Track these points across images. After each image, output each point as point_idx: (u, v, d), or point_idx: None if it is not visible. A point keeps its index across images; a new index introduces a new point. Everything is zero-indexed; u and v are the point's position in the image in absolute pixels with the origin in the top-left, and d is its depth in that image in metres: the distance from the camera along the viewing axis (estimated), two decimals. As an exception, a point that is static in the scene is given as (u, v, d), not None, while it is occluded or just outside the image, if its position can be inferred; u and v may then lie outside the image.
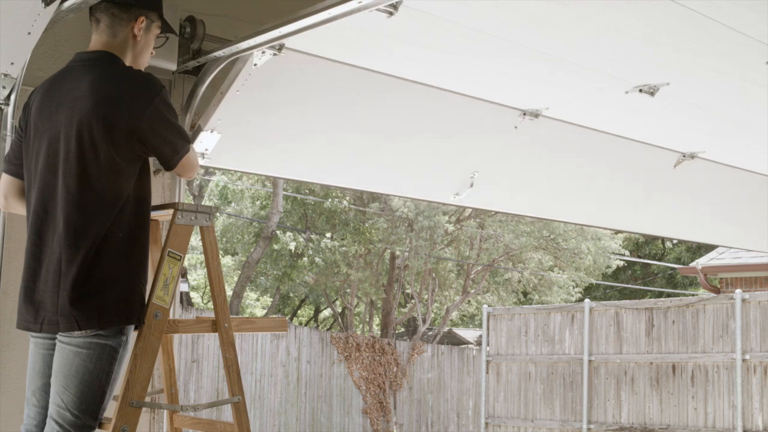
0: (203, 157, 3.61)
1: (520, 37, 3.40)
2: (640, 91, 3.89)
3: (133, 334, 2.58)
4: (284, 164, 4.31)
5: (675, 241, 26.69)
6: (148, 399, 2.75)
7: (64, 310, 2.42)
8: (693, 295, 21.27)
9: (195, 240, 13.12)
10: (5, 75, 2.82)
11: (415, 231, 17.38)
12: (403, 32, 3.29)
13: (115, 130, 2.45)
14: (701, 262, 14.35)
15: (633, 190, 5.50)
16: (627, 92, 3.92)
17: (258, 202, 20.38)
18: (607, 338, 12.60)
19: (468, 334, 25.09)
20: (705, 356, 11.59)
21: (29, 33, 2.70)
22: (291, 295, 22.67)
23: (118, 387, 2.56)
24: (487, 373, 13.88)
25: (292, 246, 18.62)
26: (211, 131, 3.52)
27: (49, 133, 2.52)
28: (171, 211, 2.71)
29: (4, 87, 2.85)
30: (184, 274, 19.99)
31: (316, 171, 4.48)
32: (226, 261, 21.29)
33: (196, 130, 3.52)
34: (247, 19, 3.60)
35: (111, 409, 2.54)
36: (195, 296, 24.70)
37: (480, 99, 4.21)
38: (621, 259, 21.29)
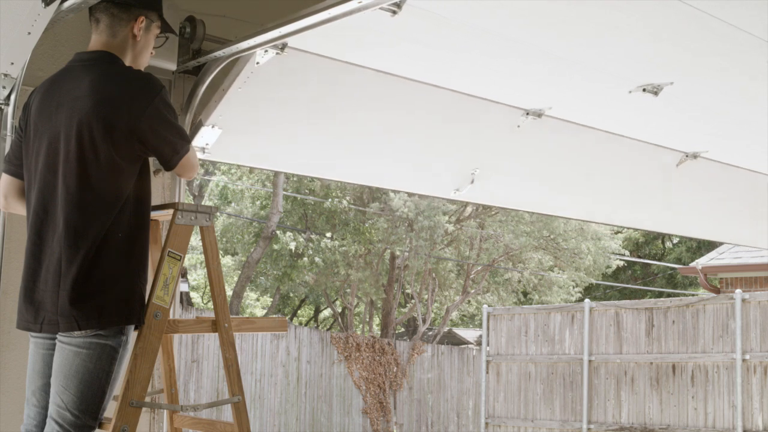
0: (204, 152, 3.62)
1: (524, 36, 3.40)
2: (644, 90, 3.88)
3: (133, 334, 2.58)
4: (286, 158, 4.33)
5: (675, 241, 26.71)
6: (148, 399, 2.75)
7: (64, 310, 2.42)
8: (693, 295, 21.27)
9: (195, 240, 13.11)
10: (5, 75, 2.82)
11: (415, 231, 17.38)
12: (406, 31, 3.29)
13: (115, 130, 2.45)
14: (701, 262, 14.35)
15: (635, 188, 5.51)
16: (631, 92, 3.91)
17: (258, 202, 20.37)
18: (607, 338, 12.60)
19: (468, 334, 25.09)
20: (705, 356, 11.59)
21: (29, 33, 2.70)
22: (291, 295, 22.67)
23: (118, 387, 2.56)
24: (487, 373, 13.88)
25: (292, 246, 18.62)
26: (212, 126, 3.53)
27: (49, 133, 2.52)
28: (171, 211, 2.71)
29: (4, 87, 2.85)
30: (184, 274, 19.99)
31: (318, 165, 4.50)
32: (226, 261, 21.29)
33: (197, 125, 3.52)
34: (247, 19, 3.60)
35: (111, 409, 2.54)
36: (195, 296, 24.70)
37: (483, 98, 4.21)
38: (621, 259, 21.29)
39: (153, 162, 2.68)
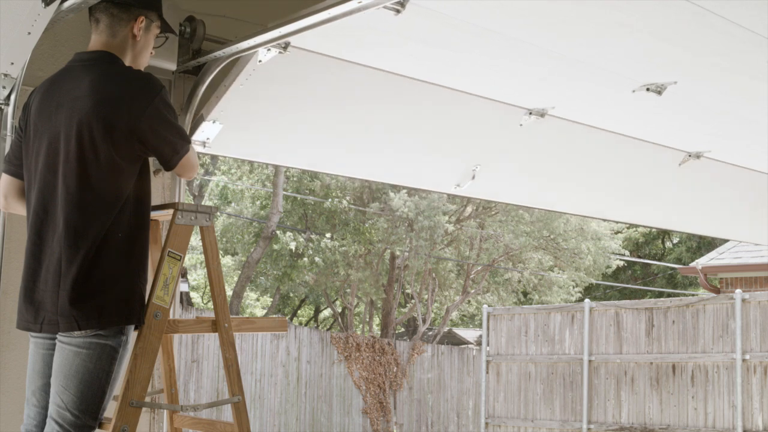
0: (204, 146, 3.62)
1: (526, 35, 3.39)
2: (648, 89, 3.87)
3: (133, 334, 2.58)
4: (287, 153, 4.34)
5: (675, 241, 26.71)
6: (148, 399, 2.75)
7: (64, 310, 2.42)
8: (693, 295, 21.27)
9: (195, 240, 13.12)
10: (5, 75, 2.82)
11: (415, 231, 17.38)
12: (410, 30, 3.29)
13: (115, 130, 2.45)
14: (701, 262, 14.35)
15: (637, 185, 5.51)
16: (634, 91, 3.90)
17: (258, 202, 20.37)
18: (607, 338, 12.60)
19: (468, 334, 25.09)
20: (705, 356, 11.59)
21: (29, 33, 2.70)
22: (291, 295, 22.67)
23: (118, 387, 2.56)
24: (487, 373, 13.88)
25: (292, 246, 18.62)
26: (213, 121, 3.54)
27: (49, 133, 2.52)
28: (171, 211, 2.71)
29: (4, 87, 2.85)
30: (184, 274, 19.99)
31: (319, 160, 4.51)
32: (226, 261, 21.29)
33: (198, 119, 3.53)
34: (247, 19, 3.60)
35: (111, 409, 2.54)
36: (195, 296, 24.70)
37: (485, 98, 4.21)
38: (621, 259, 21.28)
39: (153, 162, 2.68)
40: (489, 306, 15.94)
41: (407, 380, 17.18)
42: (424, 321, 19.49)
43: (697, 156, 5.18)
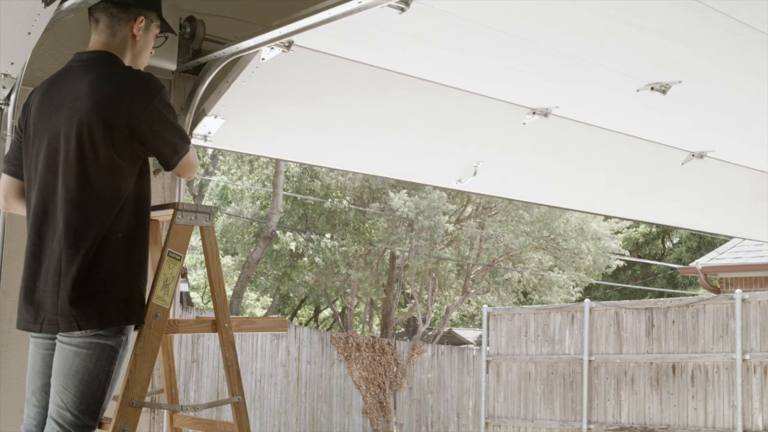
0: (206, 140, 3.63)
1: (530, 34, 3.39)
2: (652, 89, 3.86)
3: (133, 334, 2.58)
4: (289, 147, 4.35)
5: (675, 241, 26.71)
6: (148, 399, 2.75)
7: (64, 310, 2.42)
8: (693, 295, 21.27)
9: (195, 240, 13.12)
10: (5, 75, 2.82)
11: (415, 231, 17.38)
12: (414, 29, 3.29)
13: (115, 130, 2.45)
14: (701, 262, 14.35)
15: (639, 183, 5.51)
16: (638, 90, 3.89)
17: (258, 202, 20.37)
18: (607, 338, 12.60)
19: (468, 334, 25.09)
20: (705, 356, 11.59)
21: (29, 33, 2.70)
22: (291, 295, 22.67)
23: (118, 387, 2.56)
24: (487, 373, 13.88)
25: (292, 246, 18.62)
26: (215, 117, 3.54)
27: (48, 134, 2.52)
28: (171, 211, 2.71)
29: (4, 87, 2.85)
30: (184, 274, 19.99)
31: (321, 154, 4.52)
32: (226, 261, 21.29)
33: (200, 114, 3.53)
34: (247, 19, 3.60)
35: (111, 409, 2.54)
36: (195, 296, 24.70)
37: (488, 97, 4.20)
38: (621, 259, 21.29)
39: (153, 162, 2.68)
40: (489, 306, 15.94)
41: (407, 380, 17.18)
42: (424, 321, 19.49)
43: (701, 156, 5.17)
